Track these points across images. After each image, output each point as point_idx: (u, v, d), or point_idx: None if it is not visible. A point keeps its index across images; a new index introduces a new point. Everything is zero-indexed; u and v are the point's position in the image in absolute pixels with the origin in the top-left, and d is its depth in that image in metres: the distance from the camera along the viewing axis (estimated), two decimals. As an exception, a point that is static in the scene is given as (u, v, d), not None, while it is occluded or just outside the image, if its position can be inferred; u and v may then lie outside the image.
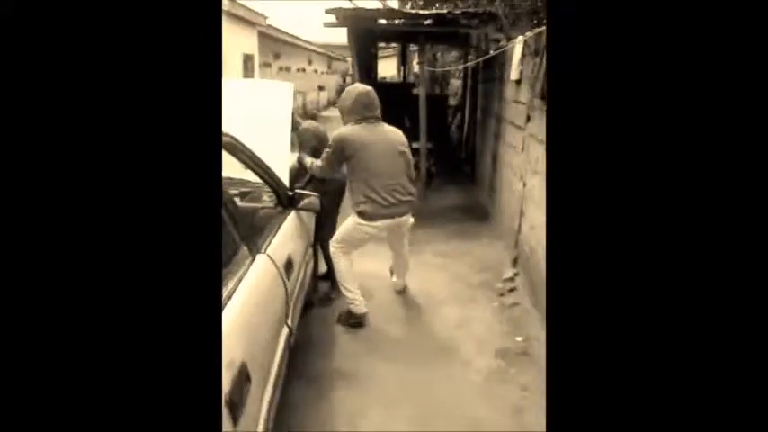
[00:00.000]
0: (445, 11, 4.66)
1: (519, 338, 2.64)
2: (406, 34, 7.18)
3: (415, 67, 10.86)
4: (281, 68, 13.34)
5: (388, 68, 19.22)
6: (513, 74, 3.56)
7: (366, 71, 7.00)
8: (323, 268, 3.18)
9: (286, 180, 2.50)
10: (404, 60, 9.52)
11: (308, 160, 2.79)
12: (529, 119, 3.24)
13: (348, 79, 20.94)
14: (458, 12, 4.61)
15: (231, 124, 1.71)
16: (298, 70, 15.89)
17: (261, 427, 1.36)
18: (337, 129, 2.62)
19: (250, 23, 8.66)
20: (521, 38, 3.33)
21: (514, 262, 3.43)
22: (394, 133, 2.66)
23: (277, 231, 2.01)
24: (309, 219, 2.67)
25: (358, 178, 2.54)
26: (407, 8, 5.72)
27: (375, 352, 2.53)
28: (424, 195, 4.40)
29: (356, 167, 2.53)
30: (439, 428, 1.98)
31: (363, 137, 2.53)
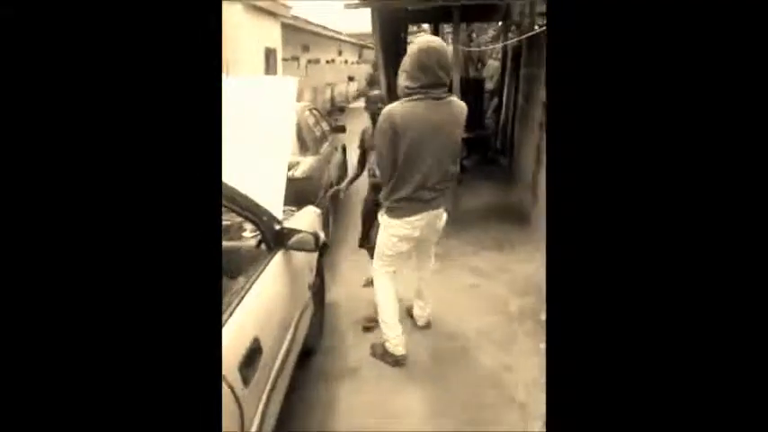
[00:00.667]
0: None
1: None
2: (439, 12, 6.53)
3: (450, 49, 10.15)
4: (309, 61, 12.94)
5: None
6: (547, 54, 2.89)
7: (394, 57, 6.41)
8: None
9: (280, 198, 2.04)
10: (435, 43, 8.78)
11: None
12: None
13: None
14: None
15: (228, 127, 1.41)
16: (327, 62, 15.45)
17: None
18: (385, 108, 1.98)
19: (272, 15, 8.24)
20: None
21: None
22: (459, 111, 2.00)
23: (244, 296, 1.42)
24: (307, 257, 2.13)
25: (398, 170, 1.98)
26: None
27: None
28: (454, 194, 3.85)
29: (399, 158, 1.95)
30: None
31: (415, 119, 1.88)
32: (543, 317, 2.63)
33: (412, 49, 1.92)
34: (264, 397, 1.46)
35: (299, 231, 1.85)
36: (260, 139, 2.12)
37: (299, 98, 11.14)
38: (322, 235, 2.70)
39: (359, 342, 2.55)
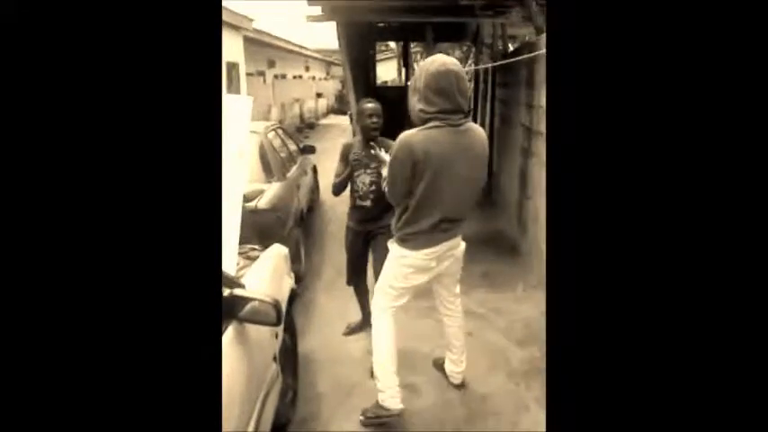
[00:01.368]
0: (458, -5, 3.71)
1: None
2: (408, 30, 6.31)
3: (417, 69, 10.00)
4: (276, 76, 12.51)
5: (389, 72, 18.39)
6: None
7: (363, 75, 6.09)
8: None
9: (233, 248, 1.62)
10: (405, 62, 8.61)
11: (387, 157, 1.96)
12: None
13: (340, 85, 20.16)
14: (474, -3, 3.66)
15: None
16: (294, 77, 15.08)
17: None
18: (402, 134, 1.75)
19: (233, 27, 7.79)
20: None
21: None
22: (481, 140, 1.81)
23: None
24: (266, 338, 1.64)
25: (412, 199, 1.76)
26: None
27: None
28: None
29: (417, 191, 1.72)
30: None
31: (438, 151, 1.66)
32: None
33: (426, 69, 1.69)
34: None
35: (253, 299, 1.40)
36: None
37: (266, 115, 10.86)
38: (292, 282, 2.25)
39: (341, 406, 2.11)
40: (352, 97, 4.40)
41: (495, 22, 5.22)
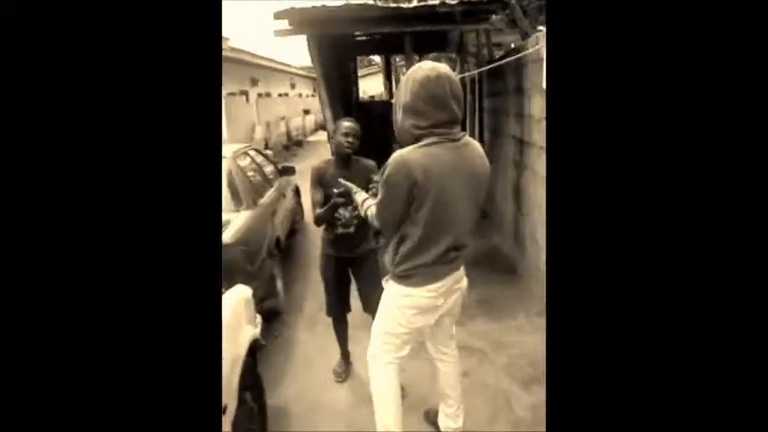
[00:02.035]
0: (437, 1, 3.47)
1: None
2: (389, 42, 6.10)
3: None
4: (260, 95, 12.28)
5: (375, 86, 18.26)
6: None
7: (342, 90, 5.84)
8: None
9: None
10: (389, 75, 8.40)
11: (361, 197, 1.77)
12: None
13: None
14: (454, 2, 3.42)
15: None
16: (279, 95, 14.89)
17: None
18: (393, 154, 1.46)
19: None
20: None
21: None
22: (480, 154, 1.54)
23: None
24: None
25: (413, 228, 1.48)
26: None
27: None
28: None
29: (416, 215, 1.45)
30: None
31: (441, 172, 1.41)
32: None
33: (413, 77, 1.42)
34: None
35: None
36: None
37: (250, 135, 10.61)
38: (257, 331, 1.92)
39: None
40: (327, 113, 4.13)
41: (479, 30, 5.01)
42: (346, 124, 2.12)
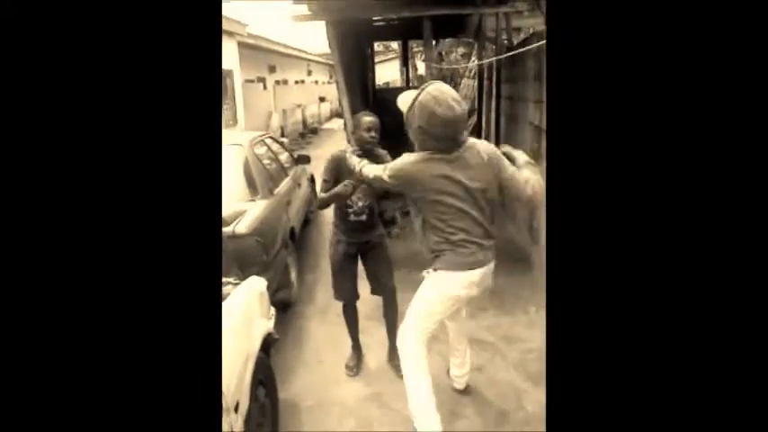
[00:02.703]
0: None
1: None
2: (407, 28, 6.00)
3: (420, 68, 9.67)
4: (277, 82, 12.27)
5: (389, 72, 18.06)
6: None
7: (360, 76, 5.78)
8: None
9: None
10: (405, 61, 8.28)
11: (356, 160, 1.98)
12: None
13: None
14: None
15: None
16: (296, 82, 14.85)
17: None
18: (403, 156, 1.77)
19: (226, 34, 7.54)
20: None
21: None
22: (487, 152, 1.73)
23: None
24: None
25: (432, 218, 1.72)
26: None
27: None
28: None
29: (427, 210, 1.72)
30: None
31: (439, 175, 1.66)
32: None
33: (430, 109, 1.62)
34: None
35: None
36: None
37: (267, 122, 10.64)
38: (270, 324, 1.94)
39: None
40: (345, 101, 4.10)
41: (499, 13, 4.87)
42: (368, 119, 2.18)
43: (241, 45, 8.45)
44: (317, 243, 4.39)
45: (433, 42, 8.33)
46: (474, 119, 7.27)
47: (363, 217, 2.28)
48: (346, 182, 2.03)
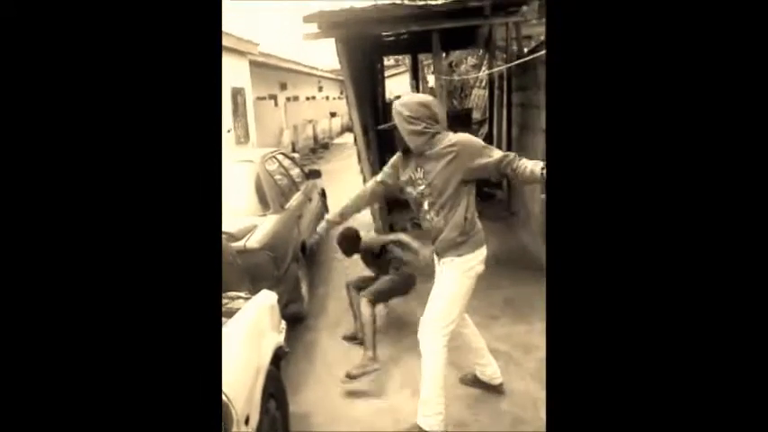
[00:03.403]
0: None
1: None
2: (415, 41, 6.05)
3: (430, 81, 9.71)
4: (288, 98, 12.47)
5: (401, 86, 18.20)
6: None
7: (370, 92, 5.84)
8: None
9: None
10: (415, 74, 8.33)
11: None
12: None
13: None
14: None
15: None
16: (307, 98, 15.07)
17: None
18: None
19: (237, 52, 7.71)
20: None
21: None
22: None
23: None
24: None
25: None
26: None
27: None
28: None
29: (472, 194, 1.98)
30: None
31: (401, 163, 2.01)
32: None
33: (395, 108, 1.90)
34: None
35: None
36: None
37: (278, 138, 10.80)
38: (281, 337, 1.94)
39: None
40: (355, 115, 4.13)
41: (509, 23, 4.88)
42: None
43: (252, 63, 8.63)
44: (329, 257, 4.39)
45: (444, 54, 8.39)
46: (486, 128, 7.26)
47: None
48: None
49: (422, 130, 1.84)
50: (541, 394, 2.20)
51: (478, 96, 9.20)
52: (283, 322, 2.08)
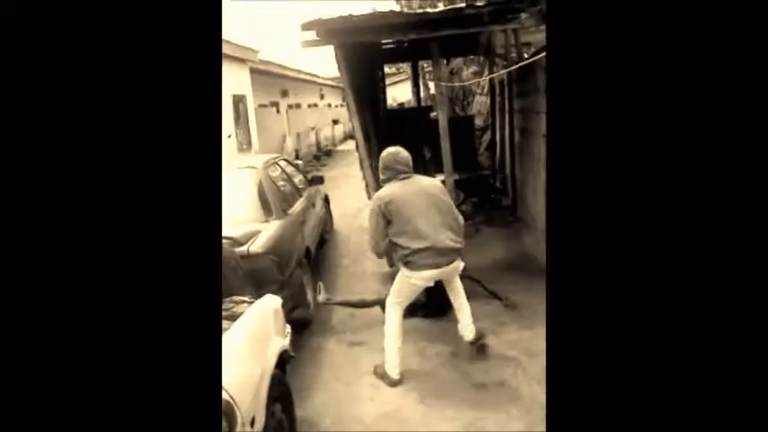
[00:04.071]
0: (463, 4, 3.43)
1: None
2: (416, 48, 6.09)
3: (432, 88, 9.75)
4: (290, 106, 12.54)
5: (404, 93, 18.29)
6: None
7: (371, 99, 5.86)
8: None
9: None
10: (416, 81, 8.37)
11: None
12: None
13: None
14: (481, 3, 3.37)
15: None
16: (309, 106, 15.15)
17: None
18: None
19: (238, 60, 7.76)
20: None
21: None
22: (429, 183, 2.57)
23: None
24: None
25: (401, 232, 2.40)
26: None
27: None
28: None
29: (397, 222, 2.41)
30: None
31: (398, 193, 2.44)
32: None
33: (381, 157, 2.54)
34: None
35: None
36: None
37: (281, 145, 10.84)
38: (286, 341, 1.93)
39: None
40: (356, 122, 4.14)
41: (508, 30, 4.91)
42: None
43: (253, 71, 8.68)
44: (334, 264, 4.38)
45: (444, 62, 8.41)
46: (488, 135, 7.28)
47: None
48: None
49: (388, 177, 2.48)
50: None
51: (480, 103, 9.23)
52: (288, 327, 2.08)
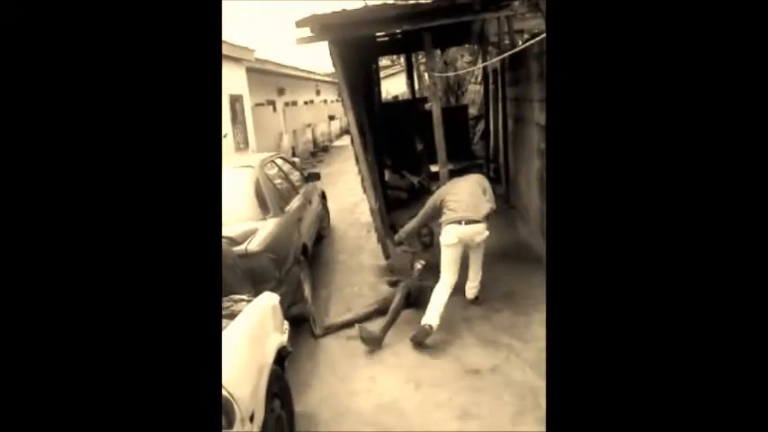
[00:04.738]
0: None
1: None
2: (409, 40, 6.09)
3: (427, 79, 9.74)
4: (287, 104, 12.53)
5: (399, 86, 18.23)
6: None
7: (365, 93, 5.87)
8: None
9: None
10: (410, 73, 8.36)
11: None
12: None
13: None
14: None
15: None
16: (305, 103, 15.12)
17: None
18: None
19: (233, 60, 7.77)
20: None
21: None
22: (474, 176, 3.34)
23: None
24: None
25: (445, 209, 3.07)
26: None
27: None
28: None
29: (443, 202, 3.09)
30: None
31: (450, 184, 3.24)
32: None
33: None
34: None
35: None
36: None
37: (278, 143, 10.85)
38: (284, 337, 1.98)
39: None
40: (351, 117, 4.17)
41: (501, 18, 4.90)
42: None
43: (249, 70, 8.68)
44: (331, 259, 4.43)
45: (438, 52, 8.38)
46: (482, 124, 7.28)
47: None
48: None
49: None
50: (540, 383, 2.23)
51: (474, 92, 9.22)
52: (286, 323, 2.12)
